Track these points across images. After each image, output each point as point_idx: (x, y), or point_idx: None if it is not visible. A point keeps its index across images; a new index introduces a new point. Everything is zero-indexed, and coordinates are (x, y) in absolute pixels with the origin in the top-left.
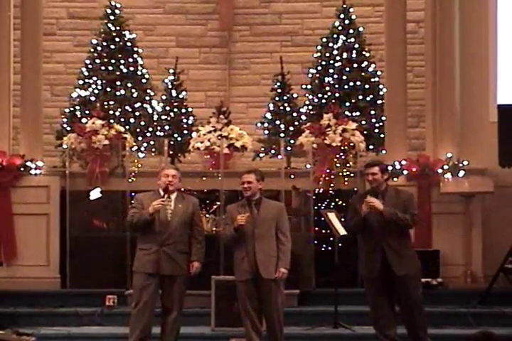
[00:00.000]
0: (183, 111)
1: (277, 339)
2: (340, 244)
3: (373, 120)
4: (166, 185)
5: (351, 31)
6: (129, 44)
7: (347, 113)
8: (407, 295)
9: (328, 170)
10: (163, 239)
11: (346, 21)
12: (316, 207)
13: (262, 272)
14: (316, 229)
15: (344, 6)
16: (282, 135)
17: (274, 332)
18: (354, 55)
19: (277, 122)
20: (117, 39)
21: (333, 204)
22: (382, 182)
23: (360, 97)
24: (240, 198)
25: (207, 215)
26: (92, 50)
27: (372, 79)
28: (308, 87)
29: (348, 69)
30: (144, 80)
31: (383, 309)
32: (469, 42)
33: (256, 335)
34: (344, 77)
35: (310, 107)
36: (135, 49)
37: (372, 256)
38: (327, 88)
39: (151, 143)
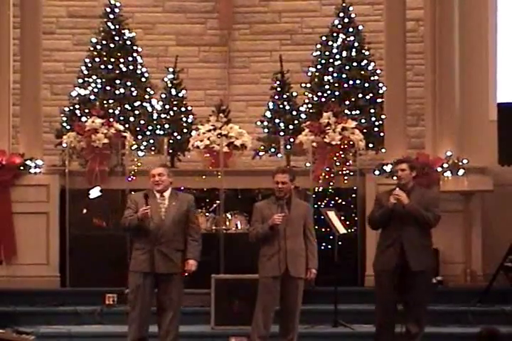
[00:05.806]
0: (183, 109)
1: (293, 338)
2: (339, 243)
3: (373, 118)
4: (154, 184)
5: (351, 29)
6: (128, 43)
7: (346, 111)
8: (417, 292)
9: (327, 169)
10: (157, 237)
11: (346, 20)
12: (315, 206)
13: (291, 270)
14: (316, 227)
15: (344, 4)
16: (282, 133)
17: (291, 329)
18: (354, 54)
19: (277, 121)
20: (117, 38)
21: (332, 202)
22: (411, 179)
23: (360, 96)
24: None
25: (207, 214)
26: (92, 48)
27: (372, 78)
28: (308, 85)
29: (347, 67)
30: (143, 79)
31: (388, 305)
32: (469, 40)
33: (264, 330)
34: (344, 76)
35: (309, 106)
36: (134, 47)
37: (390, 250)
38: (326, 86)
39: (151, 141)
